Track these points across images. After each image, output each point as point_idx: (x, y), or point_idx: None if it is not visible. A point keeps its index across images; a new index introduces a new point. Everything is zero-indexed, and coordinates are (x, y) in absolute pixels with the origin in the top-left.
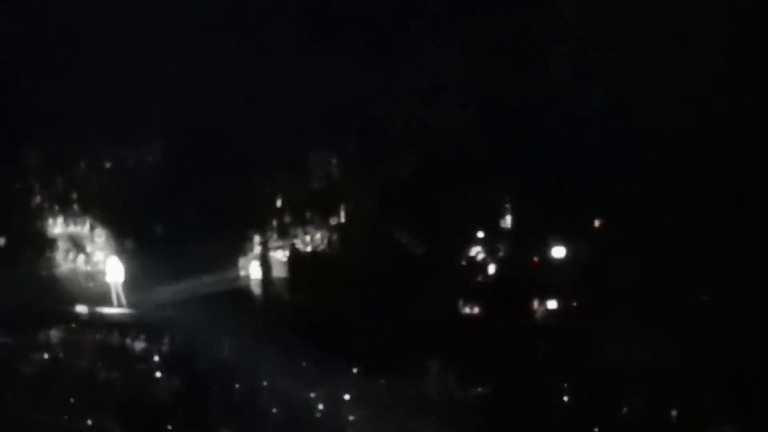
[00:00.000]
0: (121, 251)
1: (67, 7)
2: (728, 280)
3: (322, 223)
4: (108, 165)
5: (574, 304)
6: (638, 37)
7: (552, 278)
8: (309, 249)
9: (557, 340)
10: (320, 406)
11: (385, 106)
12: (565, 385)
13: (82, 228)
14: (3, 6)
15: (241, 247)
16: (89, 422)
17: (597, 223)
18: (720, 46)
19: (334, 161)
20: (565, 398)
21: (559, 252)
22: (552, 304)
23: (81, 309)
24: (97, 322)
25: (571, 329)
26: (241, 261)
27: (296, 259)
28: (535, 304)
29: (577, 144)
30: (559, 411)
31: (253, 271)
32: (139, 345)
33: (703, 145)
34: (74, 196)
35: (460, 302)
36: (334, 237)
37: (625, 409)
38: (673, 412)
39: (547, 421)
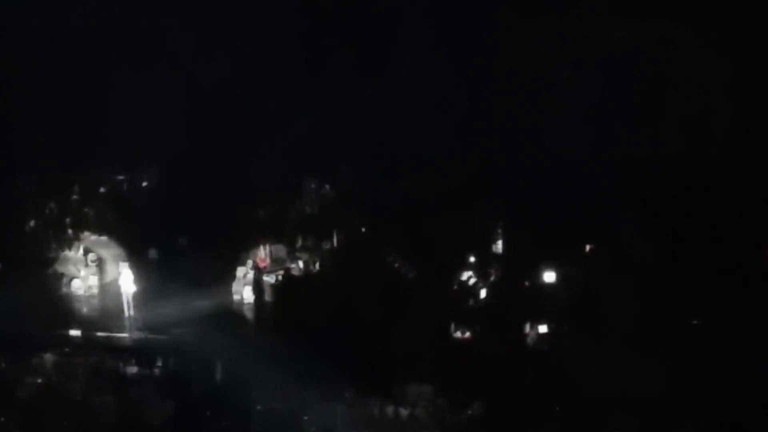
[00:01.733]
0: (114, 275)
1: (62, 33)
2: (719, 302)
3: (314, 247)
4: (102, 190)
5: (566, 328)
6: (628, 61)
7: (543, 302)
8: (302, 273)
9: (548, 364)
10: (312, 430)
11: (377, 132)
12: (557, 409)
13: (76, 252)
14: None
15: (233, 272)
16: None
17: (587, 247)
18: (713, 67)
19: (327, 186)
20: (557, 423)
21: (550, 276)
22: (543, 328)
23: (74, 332)
24: (90, 345)
25: (562, 353)
26: (234, 285)
27: (289, 283)
28: (527, 328)
29: (568, 169)
30: None
31: (246, 294)
32: (133, 368)
33: (694, 169)
34: (68, 220)
35: (452, 326)
36: (327, 261)
37: None
38: None
39: None
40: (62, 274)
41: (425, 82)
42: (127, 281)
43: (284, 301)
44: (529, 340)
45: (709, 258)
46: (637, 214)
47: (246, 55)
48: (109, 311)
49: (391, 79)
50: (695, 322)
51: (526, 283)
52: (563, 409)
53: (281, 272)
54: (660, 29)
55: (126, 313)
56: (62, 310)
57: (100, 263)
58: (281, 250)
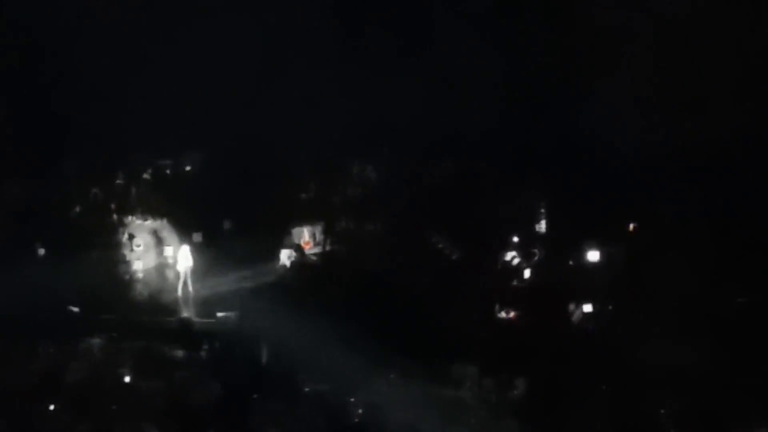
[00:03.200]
0: (160, 259)
1: (105, 18)
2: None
3: (358, 228)
4: (146, 175)
5: (610, 307)
6: (677, 38)
7: (587, 282)
8: (345, 254)
9: (593, 343)
10: (359, 411)
11: (420, 112)
12: (603, 388)
13: (120, 237)
14: (41, 18)
15: (277, 254)
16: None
17: (632, 226)
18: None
19: (370, 168)
20: (603, 403)
21: (594, 255)
22: (588, 308)
23: (119, 316)
24: (136, 329)
25: (608, 333)
26: (278, 267)
27: (333, 264)
28: (571, 307)
29: (612, 147)
30: (597, 415)
31: (290, 276)
32: (180, 351)
33: (742, 145)
34: (113, 205)
35: (496, 307)
36: (370, 241)
37: (662, 414)
38: (711, 417)
39: (584, 425)
40: (107, 259)
41: (468, 62)
42: (173, 264)
43: (329, 282)
44: (573, 319)
45: (756, 235)
46: (682, 191)
47: (287, 35)
48: (155, 295)
49: (434, 58)
50: (742, 300)
51: (570, 263)
52: (609, 389)
53: (324, 254)
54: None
55: (172, 296)
56: (108, 294)
57: (145, 248)
58: (324, 231)
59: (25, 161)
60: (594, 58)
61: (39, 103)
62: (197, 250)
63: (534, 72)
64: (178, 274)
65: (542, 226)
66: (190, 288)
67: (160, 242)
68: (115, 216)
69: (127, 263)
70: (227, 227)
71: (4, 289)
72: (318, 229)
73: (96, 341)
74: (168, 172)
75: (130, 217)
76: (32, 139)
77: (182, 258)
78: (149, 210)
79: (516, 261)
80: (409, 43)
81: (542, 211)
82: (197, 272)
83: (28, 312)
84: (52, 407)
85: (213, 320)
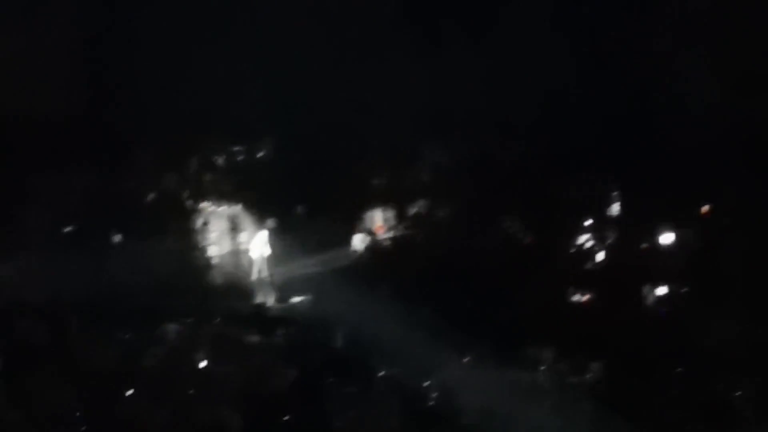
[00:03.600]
0: (234, 245)
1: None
2: None
3: (429, 212)
4: (220, 161)
5: (684, 290)
6: (754, 10)
7: (661, 265)
8: (417, 238)
9: (668, 326)
10: (434, 395)
11: (492, 95)
12: (677, 371)
13: (195, 223)
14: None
15: (350, 239)
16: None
17: (706, 208)
18: None
19: (442, 150)
20: (677, 386)
21: (667, 238)
22: (662, 291)
23: (196, 302)
24: (213, 314)
25: (682, 316)
26: (351, 251)
27: (405, 248)
28: (645, 290)
29: (685, 128)
30: (672, 398)
31: (364, 260)
32: (256, 336)
33: None
34: (187, 192)
35: (569, 290)
36: (442, 225)
37: (738, 397)
38: None
39: (659, 408)
40: (182, 246)
41: (541, 44)
42: (247, 250)
43: (403, 266)
44: (647, 302)
45: None
46: (758, 171)
47: (359, 18)
48: (229, 281)
49: (506, 41)
50: None
51: (644, 246)
52: (684, 372)
53: (397, 238)
54: None
55: (247, 282)
56: (183, 281)
57: (219, 234)
58: (397, 216)
59: (99, 149)
60: (667, 34)
61: (112, 90)
62: (271, 236)
63: (605, 52)
64: (252, 260)
65: (615, 209)
66: (265, 273)
67: (233, 228)
68: (188, 202)
69: (202, 249)
70: (300, 212)
71: (81, 276)
72: (391, 213)
73: (172, 327)
74: (241, 158)
75: (203, 204)
76: (106, 127)
77: (258, 244)
78: (222, 196)
79: (589, 244)
80: (481, 25)
81: (615, 193)
82: (272, 257)
83: (105, 299)
84: (129, 393)
85: (288, 305)
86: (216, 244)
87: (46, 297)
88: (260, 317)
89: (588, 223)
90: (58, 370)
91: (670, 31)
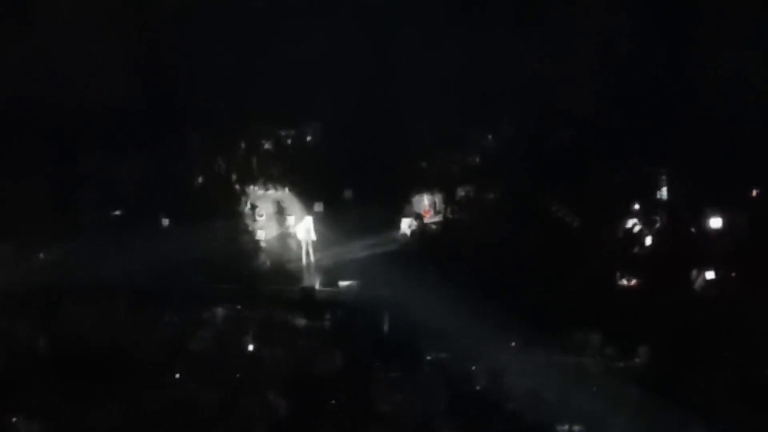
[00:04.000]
0: (282, 229)
1: None
2: None
3: (477, 196)
4: (268, 145)
5: (733, 274)
6: None
7: (710, 249)
8: (465, 222)
9: (717, 310)
10: (480, 379)
11: (540, 80)
12: (726, 355)
13: (243, 207)
14: None
15: (398, 222)
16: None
17: (755, 191)
18: None
19: (489, 137)
20: (727, 370)
21: (716, 222)
22: (710, 275)
23: (243, 286)
24: (260, 298)
25: (731, 300)
26: (399, 236)
27: (452, 232)
28: (693, 274)
29: (735, 112)
30: (719, 383)
31: (411, 244)
32: (303, 320)
33: None
34: (235, 176)
35: (617, 274)
36: (489, 210)
37: None
38: None
39: (706, 392)
40: (230, 229)
41: (587, 29)
42: (297, 234)
43: (450, 251)
44: (695, 286)
45: None
46: None
47: (408, 6)
48: (277, 264)
49: (553, 26)
50: None
51: (692, 229)
52: (733, 356)
53: (444, 222)
54: None
55: (294, 266)
56: (231, 264)
57: (267, 218)
58: (444, 200)
59: (149, 133)
60: (713, 18)
61: (162, 74)
62: (318, 220)
63: (654, 35)
64: (299, 244)
65: (663, 193)
66: (312, 258)
67: (281, 212)
68: (237, 186)
69: (250, 233)
70: (348, 196)
71: (131, 259)
72: (438, 198)
73: (220, 310)
74: (289, 142)
75: (252, 187)
76: (156, 112)
77: (304, 230)
78: (271, 180)
79: (637, 228)
80: (529, 10)
81: (663, 177)
82: (319, 242)
83: (154, 282)
84: (177, 376)
85: (335, 289)
86: (264, 228)
87: (96, 280)
88: (307, 301)
89: (636, 207)
90: (106, 351)
91: (717, 11)
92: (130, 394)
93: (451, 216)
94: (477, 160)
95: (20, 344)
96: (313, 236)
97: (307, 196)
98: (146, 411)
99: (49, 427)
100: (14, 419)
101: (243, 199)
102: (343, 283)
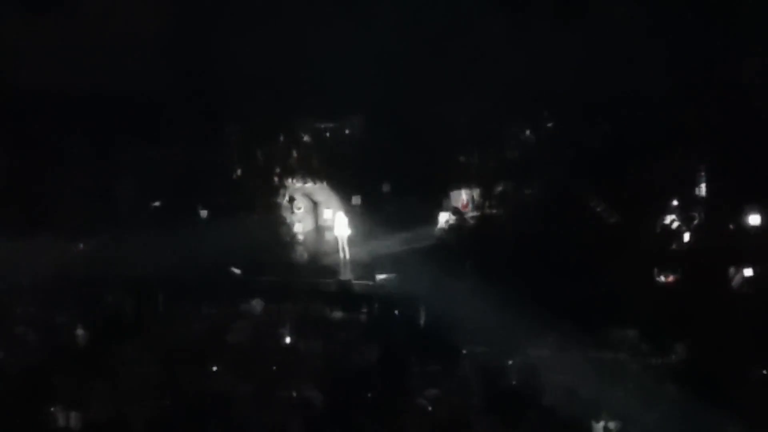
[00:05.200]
0: (320, 222)
1: None
2: None
3: (515, 191)
4: (307, 138)
5: None
6: None
7: (748, 246)
8: (503, 217)
9: (754, 307)
10: (517, 374)
11: (579, 75)
12: (763, 353)
13: (282, 200)
14: None
15: (435, 216)
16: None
17: None
18: None
19: (528, 131)
20: (763, 367)
21: (755, 219)
22: (748, 272)
23: (282, 278)
24: (298, 290)
25: None
26: (437, 230)
27: (490, 226)
28: (731, 271)
29: None
30: (757, 380)
31: (448, 238)
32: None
33: None
34: (274, 168)
35: (655, 270)
36: (528, 205)
37: None
38: None
39: (743, 390)
40: (268, 222)
41: (627, 24)
42: (334, 227)
43: (486, 246)
44: (733, 283)
45: None
46: None
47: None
48: (315, 257)
49: (592, 20)
50: None
51: (731, 226)
52: None
53: (483, 216)
54: None
55: (332, 259)
56: (269, 256)
57: (305, 210)
58: (482, 194)
59: (188, 124)
60: (756, 11)
61: (202, 66)
62: (357, 213)
63: (695, 28)
64: (337, 237)
65: (702, 189)
66: (348, 251)
67: (320, 205)
68: (276, 179)
69: (288, 225)
70: (386, 190)
71: (169, 251)
72: (476, 192)
73: (257, 303)
74: (328, 135)
75: (290, 180)
76: (195, 103)
77: (339, 224)
78: (309, 173)
79: (675, 224)
80: (570, 5)
81: (702, 173)
82: (357, 235)
83: (192, 274)
84: (214, 368)
85: (373, 282)
86: (302, 221)
87: (133, 271)
88: (345, 294)
89: (674, 203)
90: (144, 343)
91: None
92: (167, 386)
93: (488, 210)
94: (515, 154)
95: (59, 335)
96: (349, 230)
97: (346, 190)
98: (183, 403)
99: (86, 417)
100: (52, 409)
101: (281, 191)
102: (380, 277)
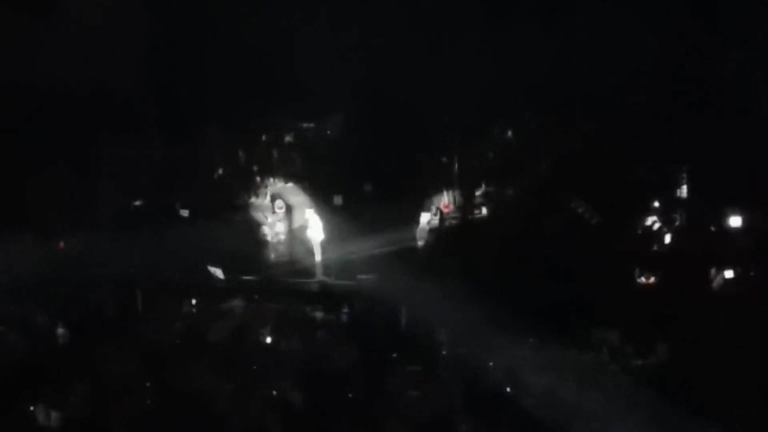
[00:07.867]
0: (301, 221)
1: None
2: None
3: (497, 193)
4: (288, 138)
5: (752, 273)
6: None
7: (729, 247)
8: (483, 218)
9: (735, 309)
10: (498, 375)
11: (560, 76)
12: (745, 354)
13: (263, 199)
14: None
15: (417, 217)
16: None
17: None
18: None
19: (509, 132)
20: (746, 368)
21: (736, 221)
22: (729, 274)
23: (261, 278)
24: (278, 290)
25: (749, 298)
26: (418, 231)
27: (471, 227)
28: (712, 273)
29: (756, 108)
30: (737, 382)
31: (429, 240)
32: (320, 313)
33: None
34: (255, 168)
35: (636, 271)
36: (509, 205)
37: None
38: None
39: (724, 392)
40: (249, 221)
41: (610, 25)
42: (314, 228)
43: (467, 246)
44: (714, 285)
45: None
46: None
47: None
48: (296, 257)
49: (574, 21)
50: None
51: (712, 228)
52: (752, 354)
53: (464, 217)
54: None
55: (313, 259)
56: (250, 256)
57: (286, 210)
58: (464, 196)
59: (168, 124)
60: (740, 14)
61: (182, 64)
62: (338, 213)
63: (678, 30)
64: (316, 238)
65: (683, 191)
66: (329, 251)
67: (301, 205)
68: (257, 178)
69: (269, 225)
70: (368, 190)
71: (150, 250)
72: (458, 193)
73: (237, 302)
74: (310, 135)
75: (271, 180)
76: (175, 102)
77: (313, 226)
78: (291, 173)
79: (656, 226)
80: (551, 6)
81: (684, 175)
82: (338, 235)
83: (172, 273)
84: (194, 367)
85: (353, 283)
86: (282, 221)
87: (114, 270)
88: (325, 294)
89: (656, 204)
90: (124, 343)
91: (749, 12)
92: (147, 385)
93: (470, 211)
94: (497, 155)
95: (39, 334)
96: (323, 233)
97: (327, 190)
98: (163, 402)
99: (67, 416)
100: (32, 408)
101: (262, 191)
102: (361, 277)
